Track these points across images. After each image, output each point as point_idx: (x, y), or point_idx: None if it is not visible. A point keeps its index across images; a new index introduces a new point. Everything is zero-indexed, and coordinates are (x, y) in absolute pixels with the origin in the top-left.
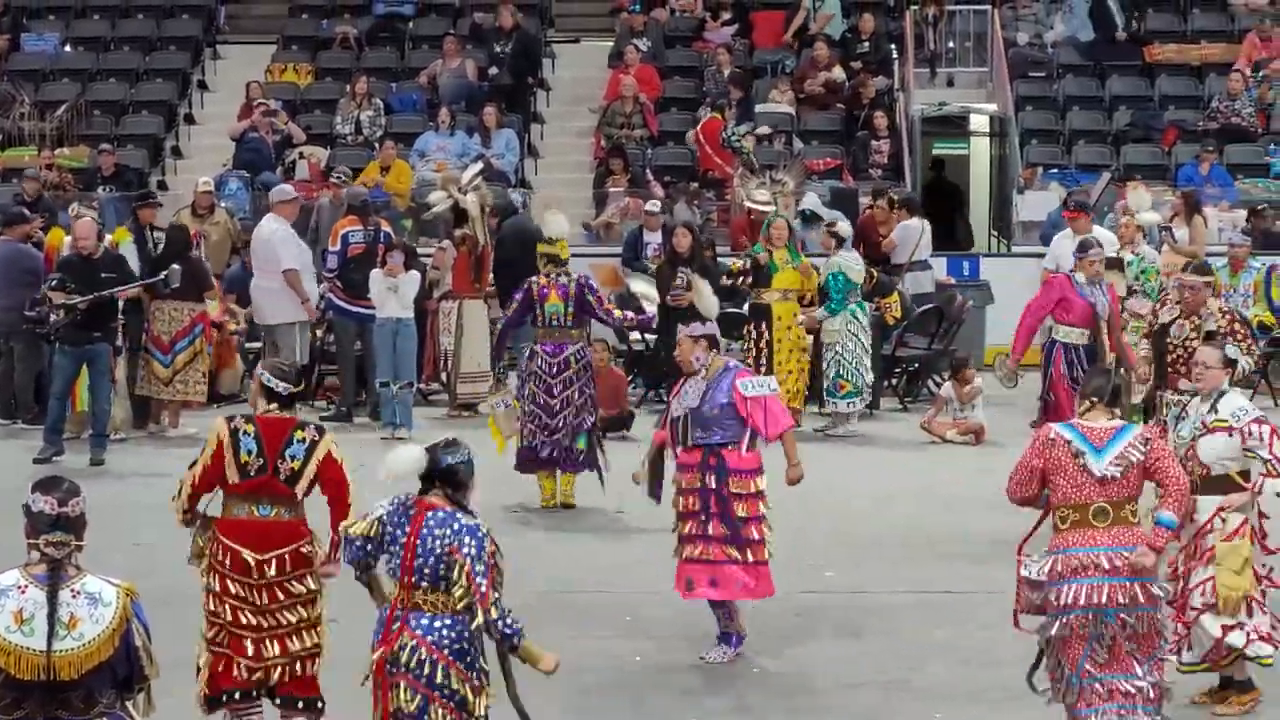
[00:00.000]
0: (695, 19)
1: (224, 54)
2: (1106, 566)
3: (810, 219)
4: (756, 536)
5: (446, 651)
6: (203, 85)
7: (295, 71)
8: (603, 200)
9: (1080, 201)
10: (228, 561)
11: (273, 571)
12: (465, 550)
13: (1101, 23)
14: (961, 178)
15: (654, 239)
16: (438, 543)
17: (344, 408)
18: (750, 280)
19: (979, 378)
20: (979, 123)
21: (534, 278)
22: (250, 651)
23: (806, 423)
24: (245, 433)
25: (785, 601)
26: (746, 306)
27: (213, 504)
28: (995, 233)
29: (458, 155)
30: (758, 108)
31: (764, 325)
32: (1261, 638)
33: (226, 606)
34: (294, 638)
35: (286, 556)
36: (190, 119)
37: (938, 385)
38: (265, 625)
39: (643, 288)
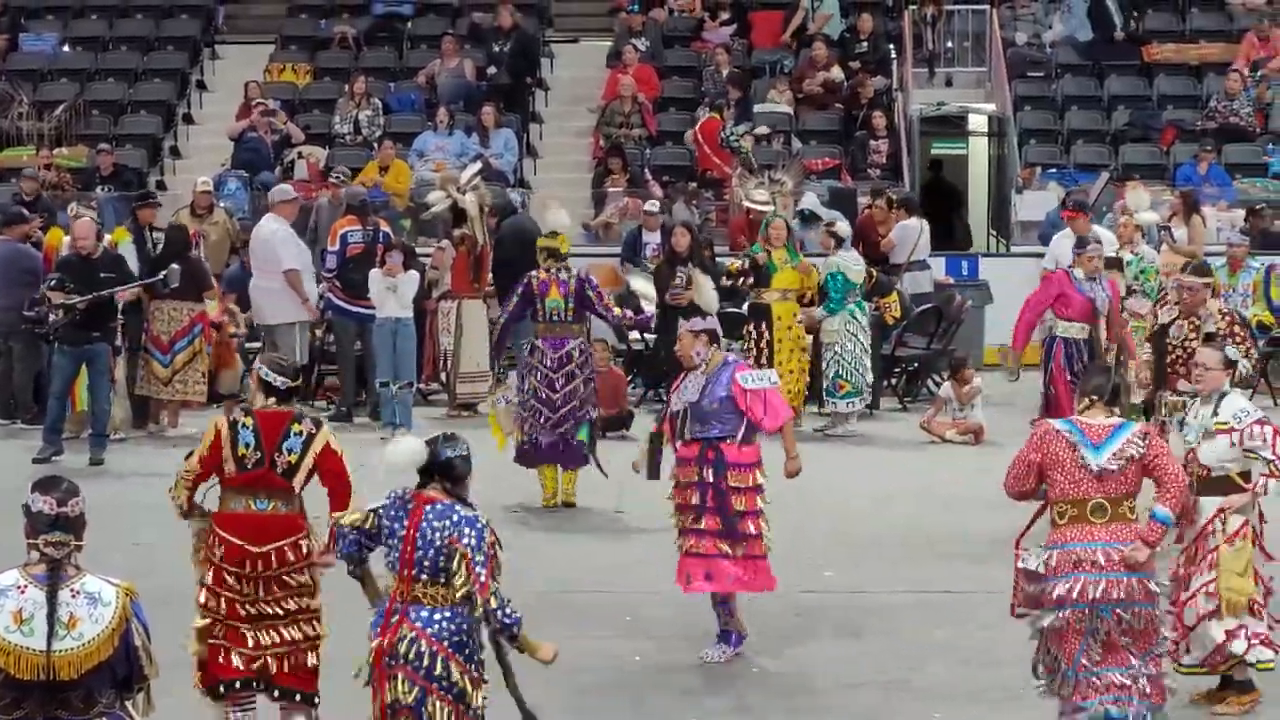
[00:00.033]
0: (694, 19)
1: (222, 54)
2: (1103, 562)
3: (809, 219)
4: (753, 531)
5: (446, 644)
6: (201, 85)
7: (294, 71)
8: (601, 200)
9: (1079, 201)
10: (225, 555)
11: (270, 565)
12: (465, 541)
13: (1100, 22)
14: (960, 178)
15: (653, 239)
16: (437, 535)
17: (344, 408)
18: (751, 280)
19: (978, 377)
20: (977, 122)
21: (533, 272)
22: (248, 642)
23: (806, 423)
24: (244, 425)
25: (785, 601)
26: (745, 306)
27: (209, 499)
28: (994, 232)
29: (456, 155)
30: (756, 108)
31: (764, 325)
32: (1262, 642)
33: (223, 600)
34: (292, 627)
35: (284, 549)
36: (189, 119)
37: (937, 385)
38: (262, 615)
39: (642, 286)
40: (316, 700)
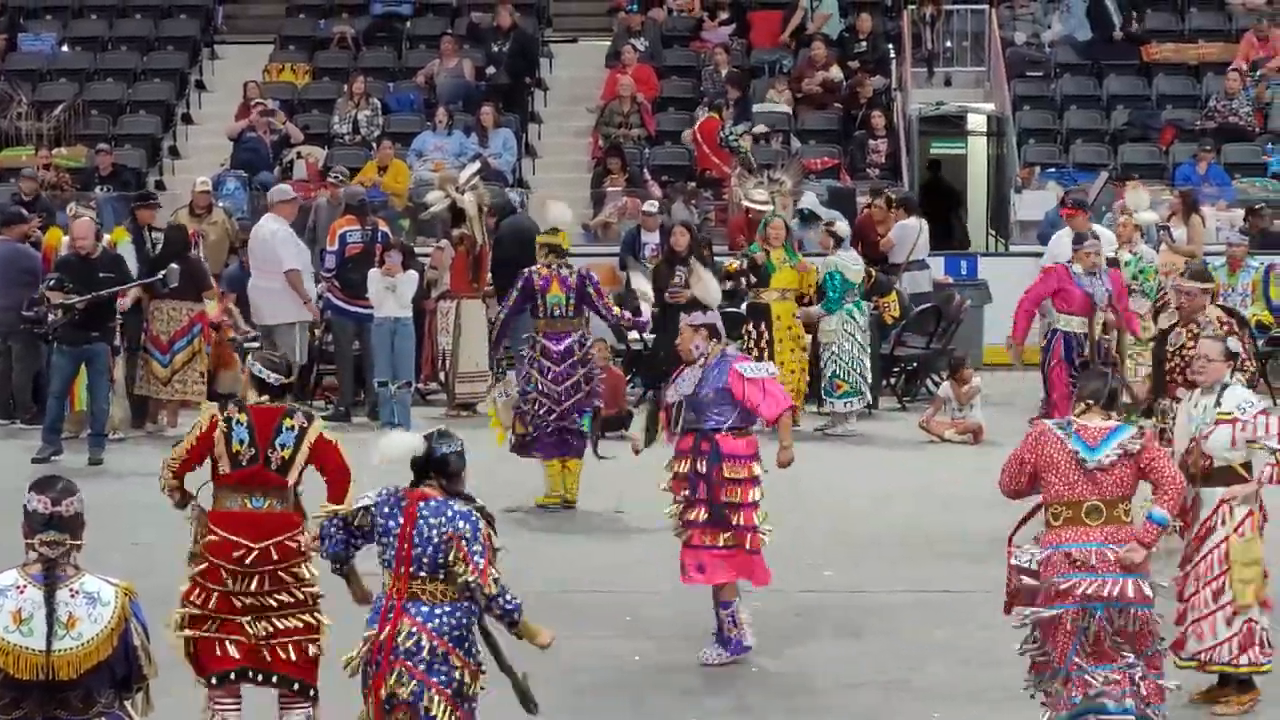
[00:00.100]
0: (693, 19)
1: (221, 54)
2: (1097, 563)
3: (808, 218)
4: (745, 523)
5: (447, 638)
6: (200, 85)
7: (293, 71)
8: (600, 200)
9: (1078, 199)
10: (221, 552)
11: (267, 561)
12: (460, 532)
13: (1099, 22)
14: (959, 177)
15: (651, 239)
16: (434, 531)
17: (342, 407)
18: (751, 280)
19: (977, 377)
20: (976, 122)
21: (533, 267)
22: (245, 631)
23: (806, 422)
24: (238, 422)
25: (785, 601)
26: (744, 306)
27: (201, 496)
28: (993, 232)
29: (455, 155)
30: (755, 107)
31: (763, 325)
32: (1259, 644)
33: (215, 595)
34: (289, 618)
35: (282, 545)
36: (188, 119)
37: (936, 385)
38: (259, 607)
39: (642, 285)
40: (314, 693)
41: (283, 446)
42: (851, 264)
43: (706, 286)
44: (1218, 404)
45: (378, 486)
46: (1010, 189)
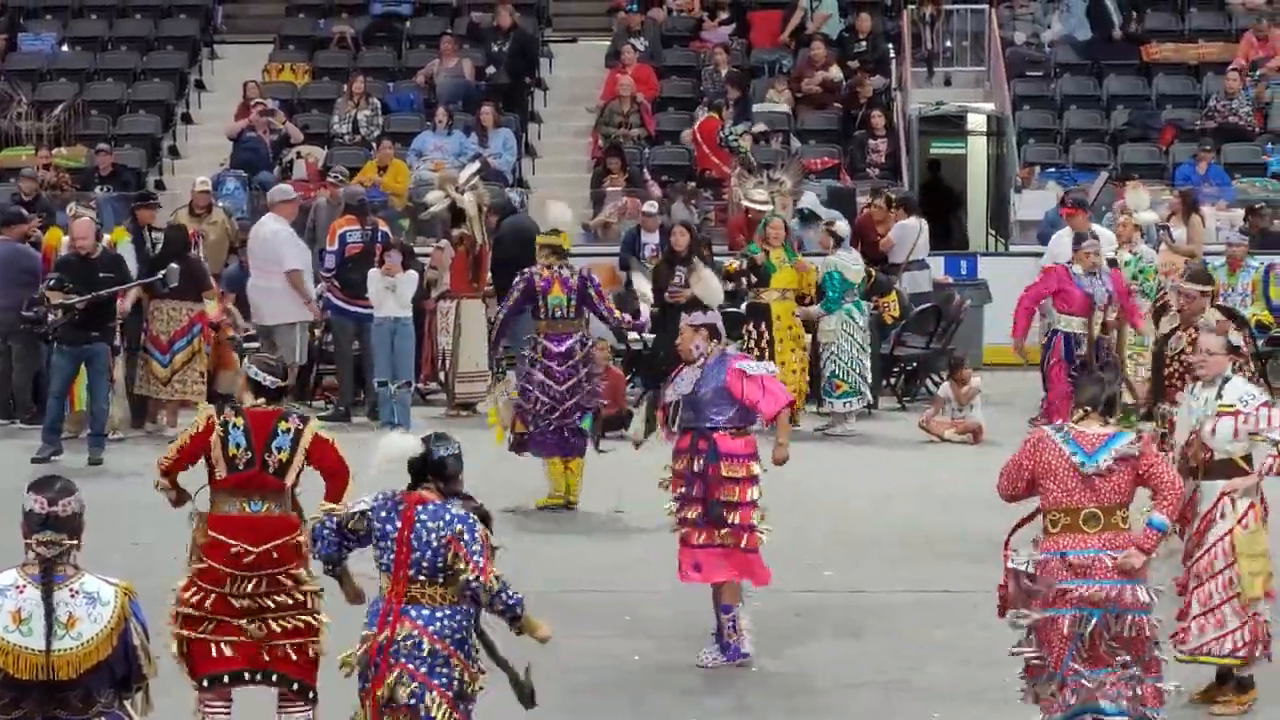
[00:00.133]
0: (692, 19)
1: (221, 54)
2: (1096, 569)
3: (808, 218)
4: (741, 522)
5: (449, 641)
6: (200, 85)
7: (292, 71)
8: (600, 200)
9: (1078, 199)
10: (219, 557)
11: (267, 564)
12: (458, 534)
13: (1099, 22)
14: (959, 177)
15: (651, 239)
16: (433, 535)
17: (342, 407)
18: (752, 280)
19: (976, 377)
20: (976, 122)
21: (534, 268)
22: (241, 634)
23: (806, 422)
24: (234, 426)
25: (785, 601)
26: (744, 306)
27: (200, 499)
28: (993, 232)
29: (455, 155)
30: (755, 107)
31: (763, 325)
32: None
33: (213, 597)
34: (287, 619)
35: (282, 548)
36: (188, 119)
37: (936, 385)
38: (256, 609)
39: (643, 286)
40: (314, 695)
41: (279, 449)
42: (851, 264)
43: (708, 286)
44: (1219, 396)
45: (376, 488)
46: (1010, 189)
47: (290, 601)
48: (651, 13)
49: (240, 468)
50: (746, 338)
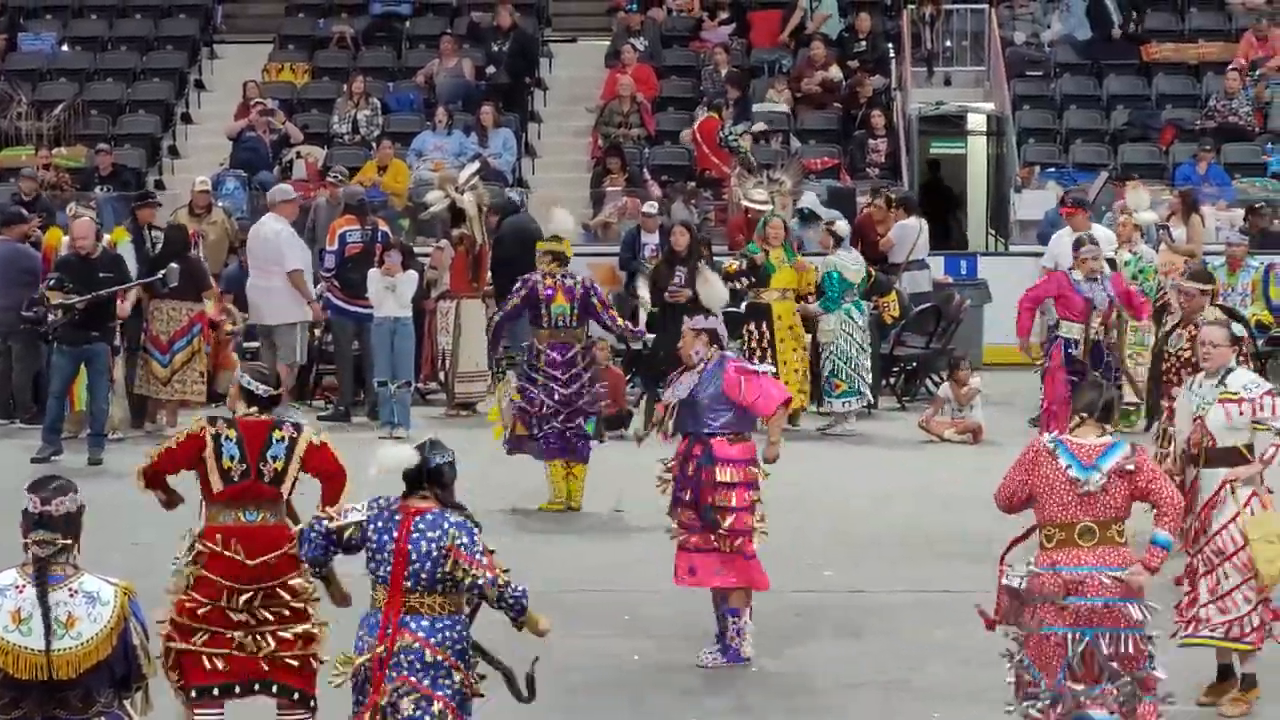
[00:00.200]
0: (692, 18)
1: (221, 53)
2: (1089, 585)
3: (808, 218)
4: (738, 526)
5: (450, 651)
6: (200, 85)
7: (292, 71)
8: (600, 200)
9: (1078, 198)
10: (216, 568)
11: (264, 577)
12: (458, 541)
13: (1099, 22)
14: (959, 177)
15: (651, 239)
16: (432, 546)
17: (342, 407)
18: (752, 280)
19: (976, 377)
20: (976, 122)
21: (536, 275)
22: (234, 646)
23: (806, 422)
24: (227, 438)
25: (785, 601)
26: (744, 306)
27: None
28: (993, 232)
29: (455, 155)
30: (755, 107)
31: (763, 325)
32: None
33: (208, 608)
34: (285, 629)
35: (280, 559)
36: (187, 118)
37: (935, 384)
38: (253, 621)
39: (642, 290)
40: (314, 703)
41: (274, 459)
42: (851, 264)
43: (711, 290)
44: (1222, 383)
45: (375, 490)
46: (1010, 189)
47: (288, 612)
48: (651, 13)
49: (235, 479)
50: (747, 338)
